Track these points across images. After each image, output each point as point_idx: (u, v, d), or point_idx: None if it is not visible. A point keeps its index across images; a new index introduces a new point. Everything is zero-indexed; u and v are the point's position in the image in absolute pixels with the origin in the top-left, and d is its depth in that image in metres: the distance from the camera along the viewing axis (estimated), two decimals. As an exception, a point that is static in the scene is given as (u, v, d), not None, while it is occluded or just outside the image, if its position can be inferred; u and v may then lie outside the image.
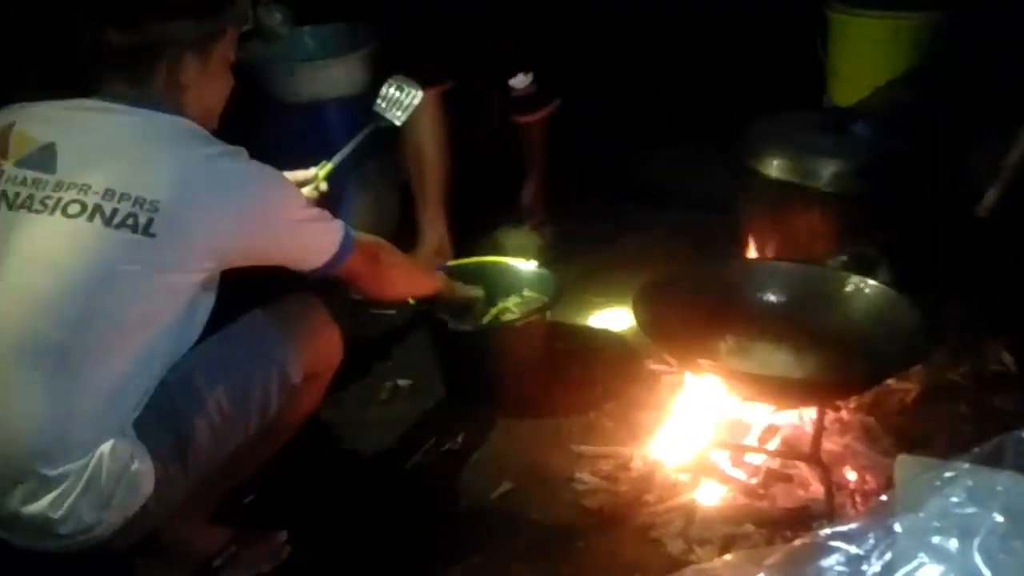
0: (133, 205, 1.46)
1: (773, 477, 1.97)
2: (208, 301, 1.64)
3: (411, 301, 2.20)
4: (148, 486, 1.53)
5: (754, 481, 1.96)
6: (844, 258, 2.29)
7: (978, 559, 1.23)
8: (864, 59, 3.29)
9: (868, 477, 1.95)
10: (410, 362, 2.50)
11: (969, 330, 2.38)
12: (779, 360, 1.94)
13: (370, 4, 3.01)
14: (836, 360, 1.88)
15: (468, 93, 2.78)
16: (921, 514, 1.31)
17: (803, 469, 1.96)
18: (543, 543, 1.88)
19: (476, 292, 2.31)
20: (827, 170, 2.37)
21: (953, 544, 1.25)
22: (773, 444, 2.03)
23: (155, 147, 1.52)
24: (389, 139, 2.52)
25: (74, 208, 1.46)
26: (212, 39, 1.61)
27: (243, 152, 1.58)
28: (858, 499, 1.90)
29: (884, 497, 1.47)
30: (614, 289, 2.70)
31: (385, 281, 1.94)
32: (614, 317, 2.66)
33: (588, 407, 2.29)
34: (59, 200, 1.47)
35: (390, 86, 2.17)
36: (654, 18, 3.53)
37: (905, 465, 1.59)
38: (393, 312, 2.63)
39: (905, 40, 3.25)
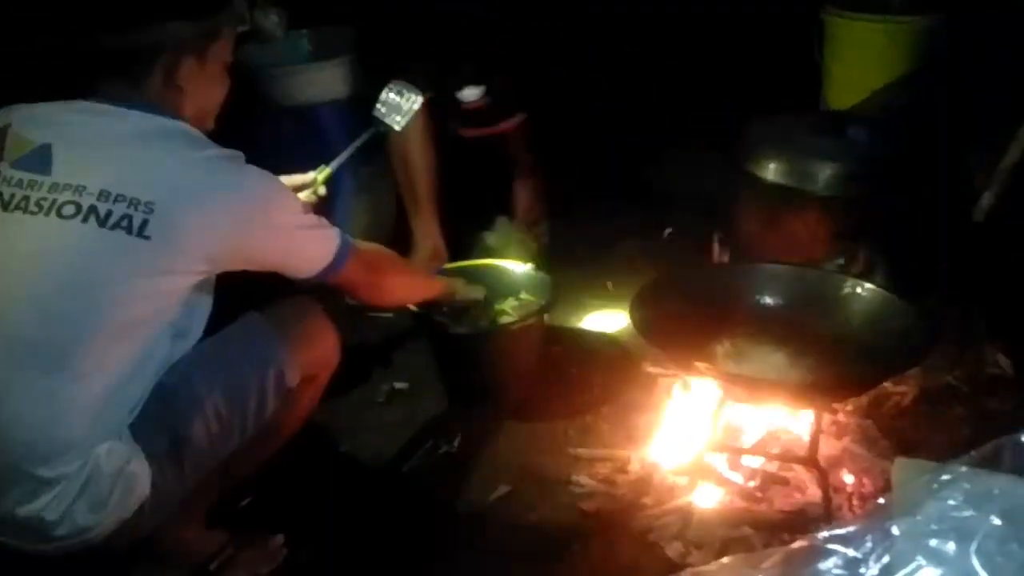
0: (128, 206, 1.45)
1: (770, 480, 1.97)
2: (205, 304, 1.64)
3: (411, 307, 2.20)
4: (144, 488, 1.53)
5: (751, 484, 1.96)
6: (841, 261, 2.29)
7: (975, 562, 1.23)
8: (860, 62, 3.29)
9: (865, 480, 1.95)
10: (407, 365, 2.50)
11: (966, 333, 2.38)
12: (776, 363, 1.94)
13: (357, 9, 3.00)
14: (833, 363, 1.88)
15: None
16: (918, 517, 1.31)
17: (800, 472, 1.96)
18: (540, 546, 1.88)
19: (478, 293, 2.31)
20: (824, 173, 2.37)
21: (951, 547, 1.25)
22: (770, 447, 2.03)
23: (150, 149, 1.51)
24: (379, 144, 2.51)
25: (69, 209, 1.46)
26: (209, 40, 1.61)
27: (239, 156, 1.58)
28: (855, 502, 1.90)
29: (881, 500, 1.47)
30: (611, 292, 2.70)
31: (384, 290, 1.93)
32: (611, 320, 2.66)
33: (585, 410, 2.29)
34: (54, 201, 1.47)
35: (390, 91, 2.16)
36: (653, 20, 3.53)
37: (902, 468, 1.59)
38: (390, 315, 2.63)
39: (901, 44, 3.26)
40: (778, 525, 1.85)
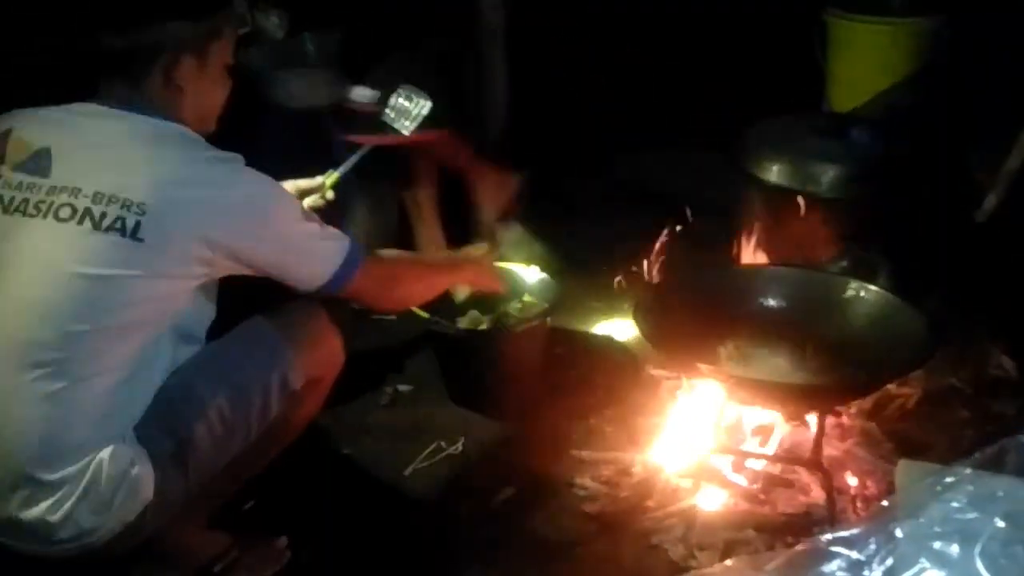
0: (121, 208, 1.45)
1: (774, 482, 1.97)
2: (209, 307, 1.64)
3: (416, 310, 2.19)
4: (148, 491, 1.53)
5: (755, 486, 1.96)
6: (844, 263, 2.29)
7: (979, 564, 1.22)
8: (862, 64, 3.29)
9: (869, 482, 1.94)
10: (411, 367, 2.49)
11: (969, 335, 2.37)
12: (779, 365, 1.94)
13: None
14: (836, 365, 1.88)
15: None
16: (922, 519, 1.30)
17: (804, 474, 1.96)
18: (544, 548, 1.88)
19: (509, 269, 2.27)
20: (826, 175, 2.37)
21: (954, 549, 1.25)
22: (774, 449, 2.03)
23: (145, 151, 1.51)
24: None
25: (65, 212, 1.46)
26: (209, 40, 1.60)
27: (237, 159, 1.56)
28: (859, 504, 1.90)
29: (885, 502, 1.46)
30: (614, 294, 2.70)
31: (403, 299, 1.90)
32: (614, 322, 2.66)
33: (589, 412, 2.29)
34: (51, 204, 1.47)
35: (399, 96, 2.15)
36: (654, 21, 3.53)
37: (906, 470, 1.59)
38: (394, 318, 2.62)
39: (903, 45, 3.26)
40: (782, 527, 1.85)
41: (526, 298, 2.40)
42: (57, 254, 1.46)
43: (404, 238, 2.74)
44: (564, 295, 2.36)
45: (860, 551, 1.32)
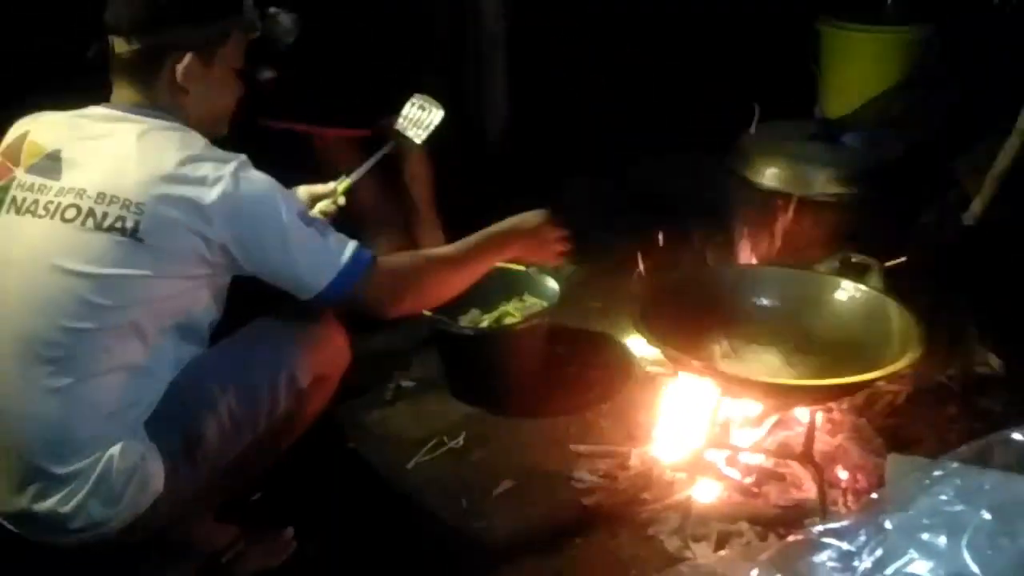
0: (121, 208, 1.45)
1: (767, 476, 1.96)
2: (217, 305, 1.64)
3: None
4: (158, 485, 1.52)
5: (748, 480, 1.95)
6: (836, 264, 2.29)
7: (966, 555, 1.22)
8: (855, 71, 3.29)
9: (859, 476, 1.94)
10: (414, 364, 2.49)
11: (957, 334, 2.37)
12: (772, 363, 1.94)
13: None
14: (828, 362, 1.87)
15: None
16: (911, 512, 1.30)
17: (796, 468, 1.96)
18: (543, 539, 1.88)
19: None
20: (819, 179, 2.37)
21: (942, 541, 1.25)
22: (767, 444, 2.02)
23: (146, 151, 1.49)
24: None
25: (71, 212, 1.46)
26: (214, 43, 1.59)
27: (238, 158, 1.53)
28: (849, 497, 1.90)
29: (875, 495, 1.46)
30: (612, 293, 2.70)
31: (414, 303, 1.76)
32: (612, 321, 2.65)
33: (587, 408, 2.29)
34: (58, 205, 1.47)
35: (412, 105, 2.12)
36: (653, 21, 3.52)
37: (895, 464, 1.59)
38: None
39: (894, 53, 3.25)
40: (774, 520, 1.85)
41: (527, 297, 2.40)
42: (60, 253, 1.46)
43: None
44: (563, 294, 2.36)
45: (850, 542, 1.32)
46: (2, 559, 1.58)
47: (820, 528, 1.36)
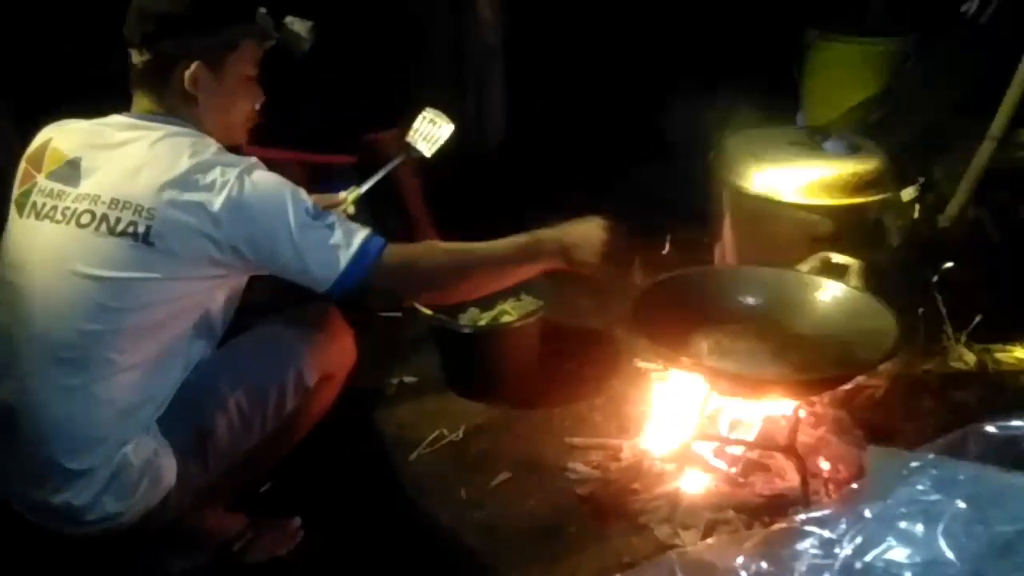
0: (133, 213, 1.45)
1: (752, 467, 1.97)
2: (229, 306, 1.64)
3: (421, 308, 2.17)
4: (170, 480, 1.53)
5: (735, 470, 1.96)
6: (818, 264, 2.30)
7: (942, 543, 1.23)
8: (837, 81, 3.30)
9: (840, 467, 1.95)
10: (415, 361, 2.50)
11: (935, 331, 2.38)
12: (758, 359, 1.94)
13: None
14: (811, 358, 1.88)
15: None
16: (889, 501, 1.31)
17: (780, 459, 1.96)
18: (538, 528, 1.88)
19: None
20: (801, 184, 2.38)
21: (919, 529, 1.26)
22: (752, 436, 2.03)
23: (157, 157, 1.49)
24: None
25: (86, 218, 1.46)
26: (224, 52, 1.57)
27: (246, 160, 1.53)
28: (831, 487, 1.90)
29: (855, 485, 1.48)
30: (604, 292, 2.70)
31: (435, 287, 1.69)
32: (604, 319, 2.66)
33: (580, 402, 2.30)
34: (75, 211, 1.47)
35: (423, 119, 2.11)
36: (646, 32, 3.53)
37: (875, 455, 1.60)
38: (399, 315, 2.63)
39: (875, 64, 3.27)
40: (759, 508, 1.85)
41: (522, 296, 2.41)
42: (74, 257, 1.46)
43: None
44: (557, 293, 2.37)
45: (832, 530, 1.33)
46: (20, 548, 1.59)
47: (803, 516, 1.37)
